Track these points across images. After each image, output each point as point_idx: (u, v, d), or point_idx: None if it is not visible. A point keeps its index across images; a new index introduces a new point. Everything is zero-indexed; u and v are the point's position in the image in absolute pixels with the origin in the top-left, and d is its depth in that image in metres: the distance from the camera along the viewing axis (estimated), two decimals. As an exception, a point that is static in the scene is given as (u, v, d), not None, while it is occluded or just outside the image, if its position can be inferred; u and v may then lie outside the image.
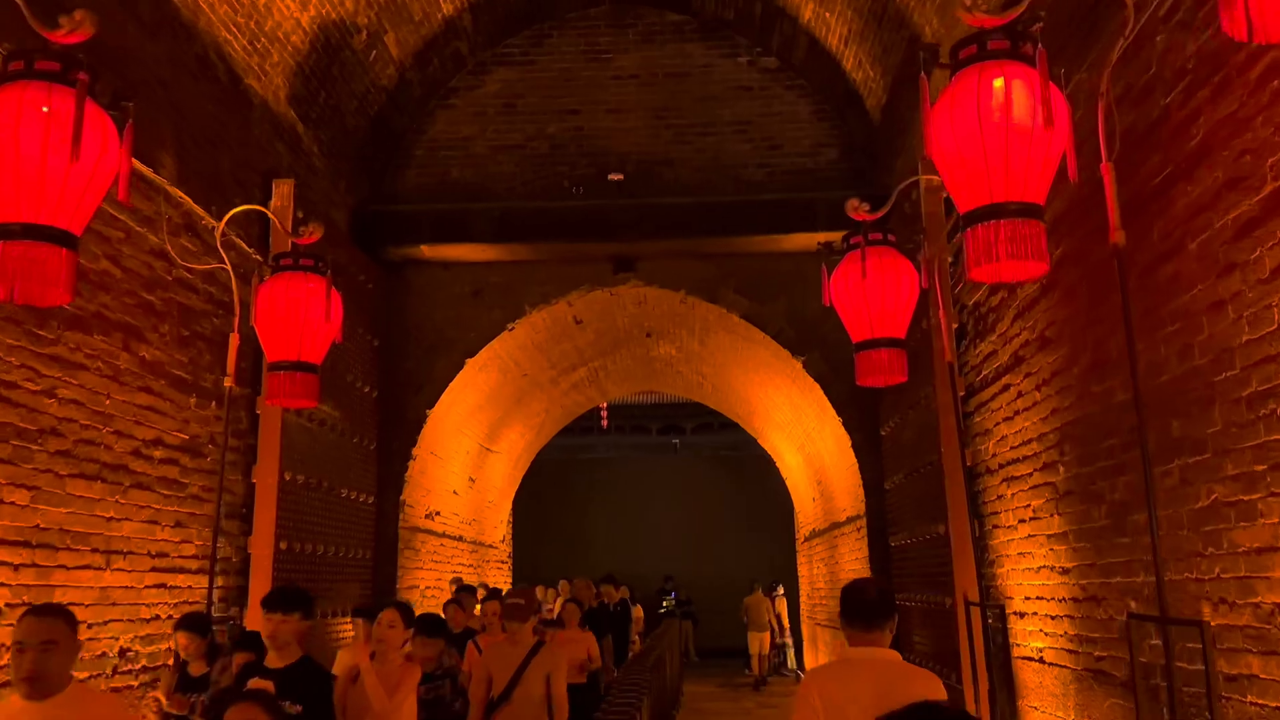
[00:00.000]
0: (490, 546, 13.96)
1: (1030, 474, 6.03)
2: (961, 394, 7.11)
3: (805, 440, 11.90)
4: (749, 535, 21.71)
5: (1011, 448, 6.36)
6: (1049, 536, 5.79)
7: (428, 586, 10.41)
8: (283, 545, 7.11)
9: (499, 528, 14.55)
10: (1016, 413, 6.23)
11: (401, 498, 9.61)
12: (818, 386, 9.74)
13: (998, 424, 6.55)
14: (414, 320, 9.91)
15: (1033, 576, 6.07)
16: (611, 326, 11.26)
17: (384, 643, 4.65)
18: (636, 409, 22.84)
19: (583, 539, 21.71)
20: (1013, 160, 3.58)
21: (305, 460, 7.67)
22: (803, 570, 15.45)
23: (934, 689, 3.06)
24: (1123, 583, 4.84)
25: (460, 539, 12.09)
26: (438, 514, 10.95)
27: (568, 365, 12.28)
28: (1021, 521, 6.24)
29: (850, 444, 9.59)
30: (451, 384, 9.84)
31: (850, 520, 10.31)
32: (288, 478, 7.24)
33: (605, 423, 22.33)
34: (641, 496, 22.39)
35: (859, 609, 3.25)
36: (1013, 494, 6.37)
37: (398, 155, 10.01)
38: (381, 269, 9.73)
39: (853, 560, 10.29)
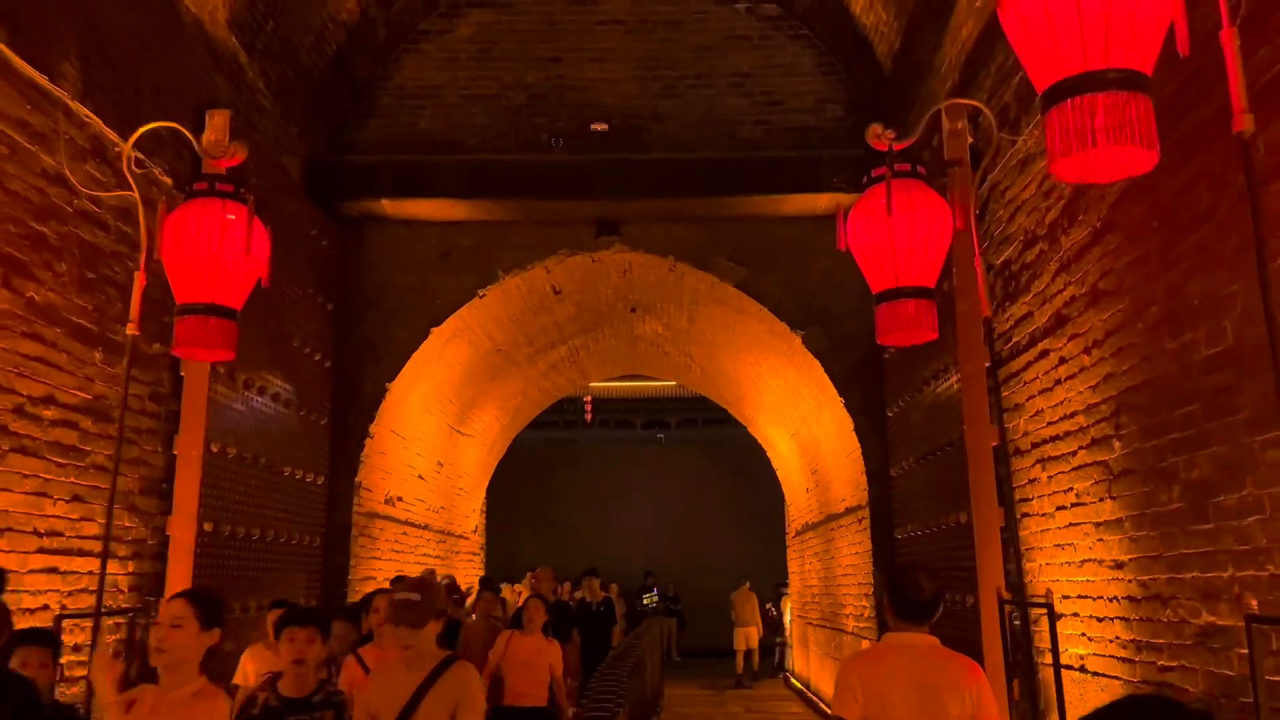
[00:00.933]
0: (461, 537, 13.05)
1: (1074, 452, 5.18)
2: (987, 365, 6.26)
3: (800, 426, 11.04)
4: (736, 530, 20.86)
5: (1049, 423, 5.51)
6: (1097, 525, 4.94)
7: (387, 578, 9.48)
8: (208, 527, 6.18)
9: (471, 517, 13.64)
10: (1057, 382, 5.38)
11: (357, 479, 8.69)
12: (817, 364, 8.88)
13: (1032, 398, 5.69)
14: (374, 284, 8.99)
15: (1073, 571, 5.22)
16: (593, 299, 10.37)
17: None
18: (620, 403, 21.92)
19: (561, 531, 20.80)
20: (1114, 17, 2.71)
21: (240, 432, 6.75)
22: (793, 566, 14.59)
23: (974, 674, 3.14)
24: (1200, 579, 3.98)
25: (426, 528, 11.17)
26: (399, 499, 10.04)
27: (546, 342, 11.38)
28: (1060, 508, 5.40)
29: (852, 427, 8.74)
30: (415, 355, 8.93)
31: (850, 511, 9.46)
32: (215, 449, 6.32)
33: (589, 416, 21.48)
34: (624, 488, 21.50)
35: (913, 609, 3.20)
36: (1049, 477, 5.52)
37: (360, 103, 9.08)
38: (339, 226, 8.81)
39: (851, 555, 9.44)
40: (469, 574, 13.08)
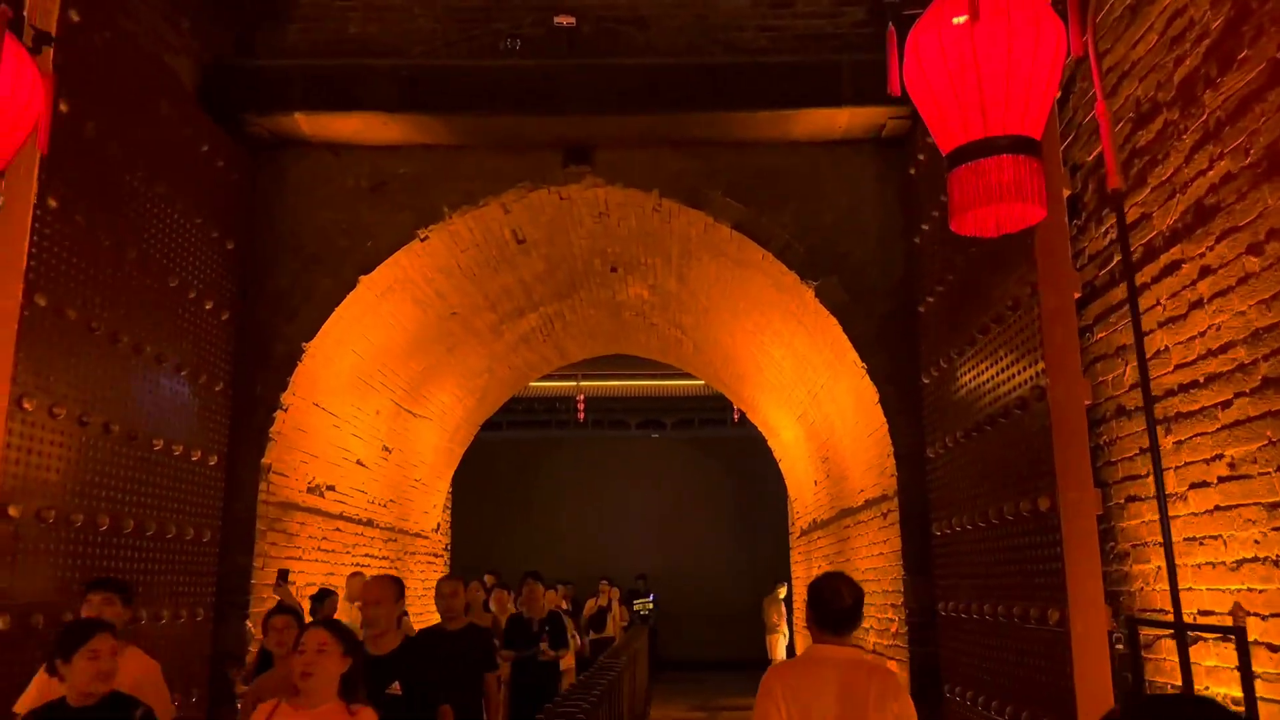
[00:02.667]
0: (418, 535, 11.39)
1: (1227, 403, 3.56)
2: (1076, 297, 4.63)
3: (810, 405, 9.39)
4: (734, 530, 19.17)
5: (1179, 366, 3.88)
6: (1270, 507, 3.32)
7: (313, 583, 7.83)
8: (51, 515, 4.53)
9: (431, 514, 11.97)
10: (1194, 306, 3.76)
11: (266, 461, 7.05)
12: (834, 323, 7.25)
13: (1152, 330, 4.06)
14: (290, 221, 7.35)
15: (1223, 577, 3.59)
16: (565, 253, 8.73)
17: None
18: (615, 401, 19.90)
19: (546, 533, 19.11)
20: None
21: (86, 390, 5.10)
22: (798, 569, 12.89)
23: (896, 687, 3.07)
24: None
25: (369, 523, 9.52)
26: (330, 488, 8.38)
27: (512, 308, 9.74)
28: (1197, 486, 3.77)
29: (876, 399, 7.11)
30: (340, 310, 7.29)
31: (872, 504, 7.82)
32: (30, 407, 4.66)
33: (581, 415, 19.58)
34: (616, 487, 19.77)
35: (833, 619, 3.16)
36: (1178, 443, 3.89)
37: (276, 1, 7.44)
38: (247, 150, 7.17)
39: (873, 555, 7.80)
40: (429, 578, 11.42)
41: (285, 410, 7.19)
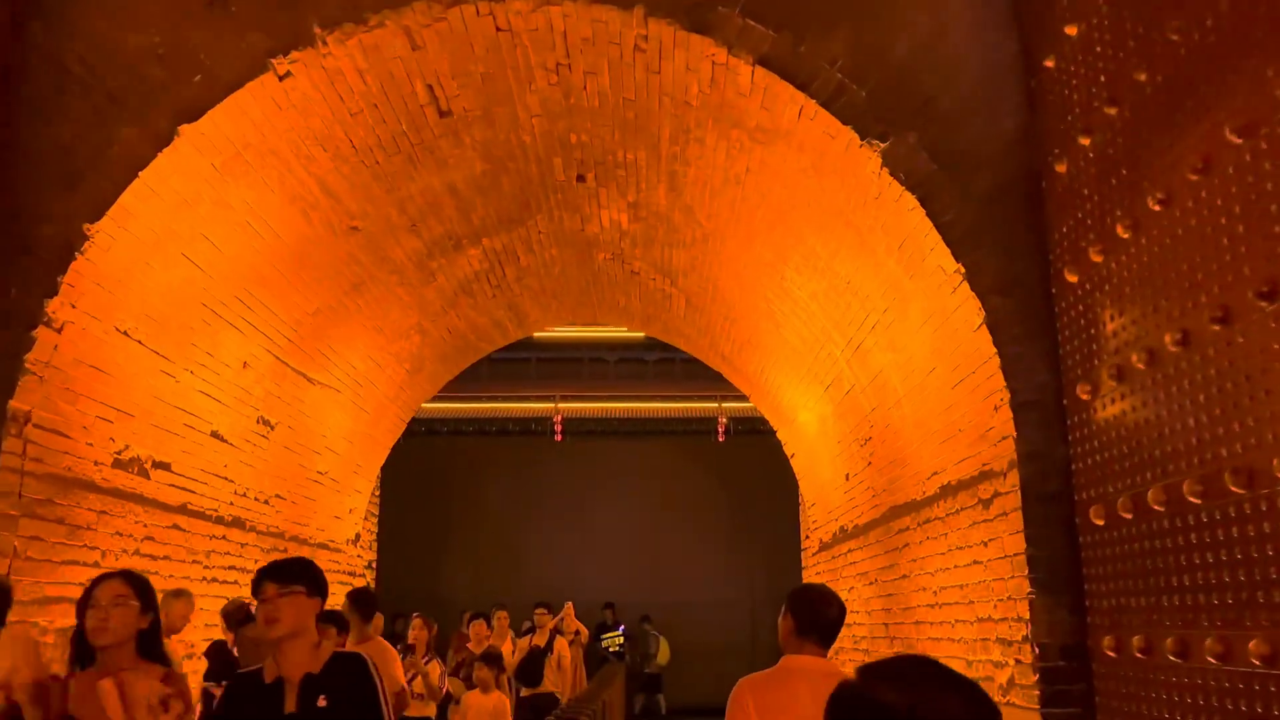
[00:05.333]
0: (324, 548, 8.73)
1: None
2: None
3: (849, 364, 6.83)
4: (729, 547, 16.45)
5: None
6: None
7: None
8: None
9: (345, 521, 9.31)
10: None
11: (17, 406, 4.45)
12: (910, 207, 4.76)
13: None
14: (81, 45, 4.80)
15: None
16: (511, 141, 6.20)
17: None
18: (594, 422, 17.03)
19: (503, 554, 16.36)
20: None
21: None
22: None
23: None
24: None
25: (237, 524, 6.88)
26: (161, 466, 5.76)
27: (444, 233, 7.18)
28: None
29: (979, 321, 4.59)
30: (153, 179, 4.74)
31: (958, 488, 5.25)
32: None
33: (560, 436, 16.67)
34: (589, 500, 16.98)
35: (820, 629, 2.99)
36: None
37: None
38: (4, -74, 4.63)
39: (961, 567, 5.22)
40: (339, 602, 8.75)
41: (57, 330, 4.60)
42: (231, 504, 6.78)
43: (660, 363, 15.34)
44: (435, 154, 6.13)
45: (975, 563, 4.98)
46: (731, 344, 9.04)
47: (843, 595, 9.16)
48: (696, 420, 16.08)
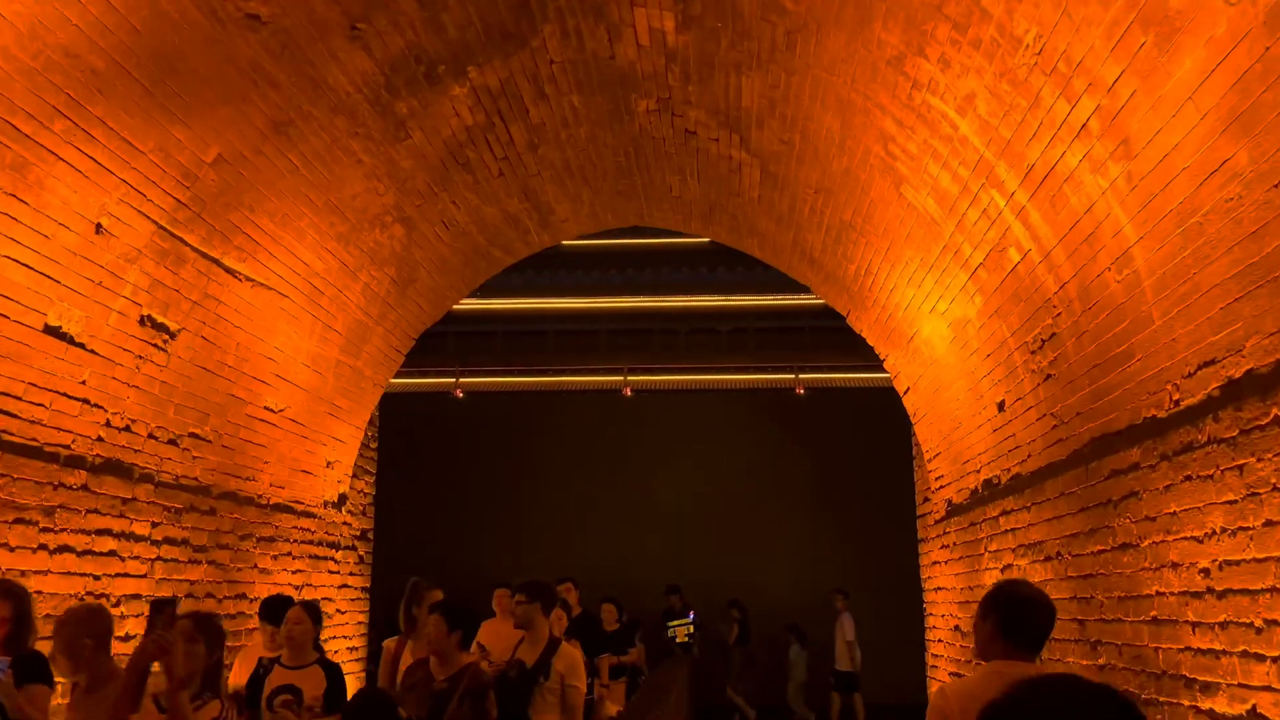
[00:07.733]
0: (290, 511, 6.60)
1: None
2: None
3: (1034, 203, 4.37)
4: (818, 518, 13.82)
5: None
6: None
7: None
8: None
9: (323, 479, 7.17)
10: None
11: None
12: None
13: None
14: None
15: None
16: None
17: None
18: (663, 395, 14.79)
19: (541, 523, 14.05)
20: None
21: None
22: (943, 578, 7.63)
23: None
24: None
25: (116, 470, 4.76)
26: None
27: (405, 51, 4.93)
28: None
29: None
30: None
31: (1273, 383, 2.83)
32: None
33: (627, 391, 14.31)
34: (646, 458, 14.48)
35: (1029, 634, 2.76)
36: None
37: None
38: None
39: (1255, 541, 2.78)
40: (324, 587, 6.65)
41: None
42: (101, 440, 4.65)
43: (733, 334, 13.89)
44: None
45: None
46: (823, 232, 6.63)
47: (972, 580, 6.74)
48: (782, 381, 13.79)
